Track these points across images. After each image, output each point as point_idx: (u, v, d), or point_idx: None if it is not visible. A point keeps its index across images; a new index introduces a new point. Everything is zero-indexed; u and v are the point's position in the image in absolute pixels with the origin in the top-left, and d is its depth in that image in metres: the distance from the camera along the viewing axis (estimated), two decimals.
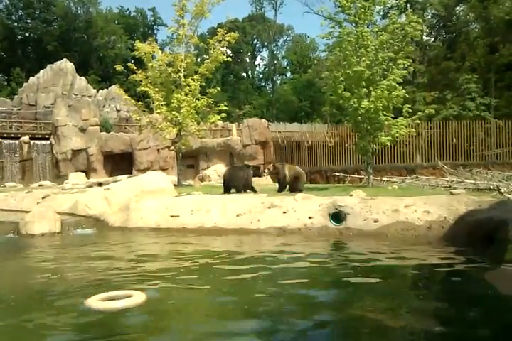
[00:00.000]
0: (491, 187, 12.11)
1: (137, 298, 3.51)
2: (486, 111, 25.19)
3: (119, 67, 16.14)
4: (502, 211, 6.11)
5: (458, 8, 31.96)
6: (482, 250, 5.48)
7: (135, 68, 15.75)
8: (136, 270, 4.81)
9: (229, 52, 45.48)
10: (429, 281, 4.40)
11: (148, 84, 15.41)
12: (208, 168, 22.75)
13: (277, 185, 11.14)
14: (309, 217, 7.25)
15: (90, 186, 14.93)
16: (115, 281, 4.27)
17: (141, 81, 15.52)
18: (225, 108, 15.95)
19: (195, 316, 3.40)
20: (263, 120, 24.86)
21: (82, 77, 34.15)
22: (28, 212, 8.28)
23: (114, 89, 23.84)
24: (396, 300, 3.71)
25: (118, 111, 32.51)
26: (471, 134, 20.16)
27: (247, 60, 59.44)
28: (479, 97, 25.60)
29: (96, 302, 3.45)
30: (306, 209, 7.41)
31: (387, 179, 15.97)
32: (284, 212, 7.47)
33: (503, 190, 11.15)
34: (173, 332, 3.06)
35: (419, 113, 14.01)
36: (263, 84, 60.08)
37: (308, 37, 59.18)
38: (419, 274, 4.70)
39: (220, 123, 24.17)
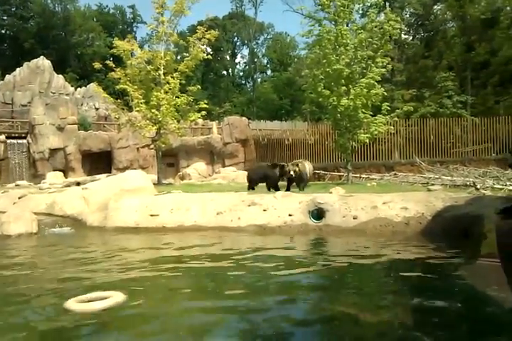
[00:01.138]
0: (468, 183, 12.33)
1: (116, 298, 3.48)
2: (463, 108, 25.60)
3: (97, 65, 15.93)
4: (478, 207, 6.24)
5: (435, 7, 32.36)
6: (459, 245, 5.59)
7: (114, 66, 15.57)
8: (115, 270, 4.77)
9: (209, 50, 45.25)
10: (405, 276, 4.46)
11: (127, 82, 15.26)
12: (188, 166, 22.65)
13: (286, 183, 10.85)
14: (289, 215, 7.29)
15: (68, 185, 14.75)
16: (94, 282, 4.22)
17: (119, 79, 15.36)
18: (205, 106, 15.91)
19: (173, 316, 3.38)
20: (244, 118, 24.84)
21: (60, 75, 33.60)
22: (4, 212, 8.13)
23: (93, 87, 23.51)
24: (372, 295, 3.76)
25: (97, 109, 32.09)
26: (448, 131, 20.48)
27: (228, 57, 59.26)
28: (456, 95, 25.98)
29: (75, 303, 3.41)
30: (286, 206, 7.45)
31: (366, 176, 16.12)
32: (265, 210, 7.49)
33: (478, 186, 11.38)
34: (152, 332, 3.05)
35: (397, 111, 14.20)
36: (243, 82, 60.01)
37: (289, 35, 59.33)
38: (396, 269, 4.77)
39: (200, 121, 24.05)
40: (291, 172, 10.12)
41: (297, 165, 10.54)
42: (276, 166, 10.72)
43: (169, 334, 2.97)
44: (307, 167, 11.03)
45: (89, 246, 6.59)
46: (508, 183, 11.64)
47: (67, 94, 31.86)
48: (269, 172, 10.54)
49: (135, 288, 3.96)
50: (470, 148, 20.07)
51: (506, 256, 4.11)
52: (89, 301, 3.47)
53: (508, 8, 28.14)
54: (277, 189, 10.05)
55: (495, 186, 11.61)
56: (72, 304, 3.40)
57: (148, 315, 3.33)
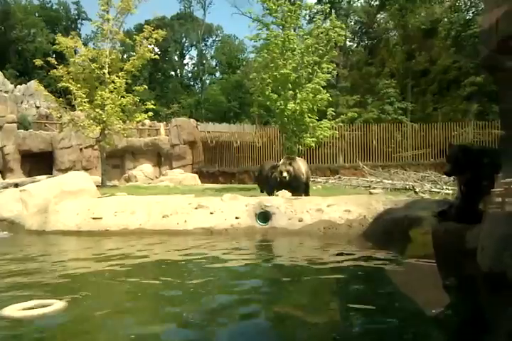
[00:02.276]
0: (407, 186, 12.90)
1: (56, 305, 3.36)
2: (403, 115, 26.72)
3: (38, 62, 15.33)
4: (416, 209, 6.52)
5: (379, 15, 33.63)
6: (397, 246, 5.81)
7: (56, 63, 15.04)
8: (54, 276, 4.59)
9: (157, 49, 44.61)
10: (341, 277, 4.58)
11: (70, 80, 14.80)
12: (134, 168, 22.18)
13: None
14: (236, 217, 7.30)
15: (6, 187, 14.04)
16: (32, 289, 4.05)
17: (62, 76, 14.86)
18: (152, 106, 15.69)
19: (115, 322, 3.31)
20: (192, 120, 24.66)
21: None
22: None
23: (34, 84, 22.51)
24: (312, 297, 3.85)
25: (37, 107, 30.69)
26: (389, 137, 21.28)
27: (176, 58, 58.62)
28: (397, 102, 27.08)
29: (13, 311, 3.26)
30: (233, 209, 7.46)
31: (312, 179, 16.45)
32: (211, 213, 7.46)
33: (417, 190, 11.94)
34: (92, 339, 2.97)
35: (342, 116, 14.62)
36: (192, 83, 59.53)
37: (237, 38, 59.51)
38: (334, 271, 4.89)
39: (147, 122, 23.66)
40: (284, 174, 8.75)
41: (290, 164, 8.96)
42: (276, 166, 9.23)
43: None
44: (302, 166, 9.37)
45: (27, 252, 6.29)
46: (444, 187, 12.28)
47: (6, 92, 30.21)
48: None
49: (76, 295, 3.82)
50: (410, 153, 20.95)
51: (441, 257, 4.33)
52: (28, 308, 3.33)
53: (446, 19, 29.70)
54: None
55: (433, 189, 12.22)
56: (9, 311, 3.25)
57: (88, 322, 3.24)
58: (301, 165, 9.32)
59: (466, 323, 3.16)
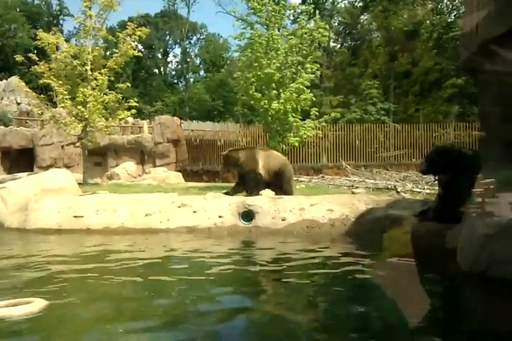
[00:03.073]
0: (389, 186, 13.06)
1: (37, 304, 3.32)
2: (386, 115, 27.00)
3: (19, 58, 15.06)
4: (397, 209, 6.62)
5: (362, 17, 33.92)
6: (378, 245, 5.88)
7: (37, 59, 14.80)
8: (33, 274, 4.54)
9: (140, 47, 44.26)
10: (325, 277, 4.63)
11: (52, 77, 14.56)
12: (117, 165, 21.96)
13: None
14: (219, 216, 7.30)
15: None
16: (12, 288, 4.00)
17: (43, 73, 14.62)
18: (135, 104, 15.54)
19: (94, 321, 3.29)
20: (175, 118, 24.51)
21: None
22: None
23: (14, 80, 22.13)
24: (296, 296, 3.88)
25: (18, 104, 30.16)
26: (372, 137, 21.46)
27: (159, 56, 58.22)
28: (380, 102, 27.36)
29: None
30: (217, 208, 7.46)
31: (296, 178, 16.51)
32: (195, 211, 7.45)
33: (399, 190, 12.08)
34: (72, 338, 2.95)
35: (325, 116, 14.71)
36: (176, 81, 59.20)
37: (221, 36, 59.35)
38: (318, 270, 4.93)
39: (130, 119, 23.45)
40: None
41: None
42: None
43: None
44: (261, 159, 8.61)
45: (6, 250, 6.20)
46: (426, 187, 12.46)
47: None
48: None
49: (56, 293, 3.79)
50: (392, 153, 21.18)
51: (421, 256, 4.41)
52: (6, 306, 3.29)
53: (428, 21, 30.10)
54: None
55: (414, 189, 12.39)
56: None
57: (68, 321, 3.22)
58: (260, 160, 8.69)
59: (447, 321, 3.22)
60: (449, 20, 29.66)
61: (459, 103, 26.46)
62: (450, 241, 4.33)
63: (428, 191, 11.68)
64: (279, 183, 8.64)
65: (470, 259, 3.68)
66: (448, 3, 31.67)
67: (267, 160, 8.59)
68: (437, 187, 5.55)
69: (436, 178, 5.32)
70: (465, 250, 3.86)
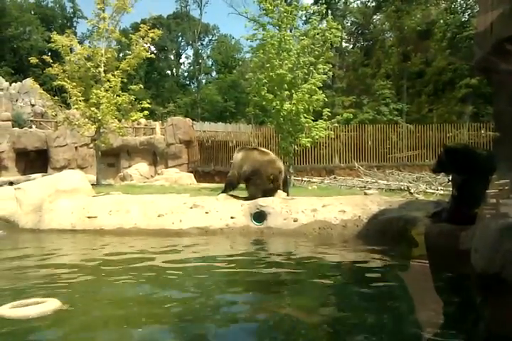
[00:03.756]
0: (402, 187, 12.95)
1: (51, 304, 3.36)
2: (399, 116, 26.81)
3: (34, 60, 15.28)
4: (410, 210, 6.55)
5: (375, 17, 33.75)
6: (392, 247, 5.84)
7: (51, 61, 15.01)
8: (50, 275, 4.58)
9: (153, 48, 44.53)
10: (338, 278, 4.61)
11: (66, 79, 14.75)
12: (129, 166, 22.13)
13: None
14: (231, 217, 7.31)
15: (0, 185, 13.99)
16: (27, 288, 4.04)
17: (57, 75, 14.82)
18: (147, 105, 15.67)
19: (108, 324, 3.31)
20: (187, 119, 24.62)
21: None
22: None
23: (29, 82, 22.38)
24: (310, 297, 3.86)
25: (32, 105, 30.52)
26: (384, 137, 21.31)
27: (172, 57, 58.53)
28: (393, 103, 27.18)
29: (7, 310, 3.25)
30: (229, 209, 7.47)
31: (308, 179, 16.50)
32: (207, 212, 7.46)
33: (412, 191, 11.98)
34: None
35: (337, 116, 14.65)
36: (188, 82, 59.46)
37: (233, 38, 59.51)
38: (331, 271, 4.92)
39: (143, 121, 23.62)
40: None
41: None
42: None
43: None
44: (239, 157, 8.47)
45: (22, 250, 6.28)
46: (439, 188, 12.34)
47: (0, 89, 30.12)
48: None
49: (71, 294, 3.83)
50: (405, 154, 21.01)
51: (434, 257, 4.36)
52: (22, 307, 3.33)
53: (442, 21, 29.82)
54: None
55: (427, 190, 12.28)
56: (5, 310, 3.24)
57: (82, 322, 3.24)
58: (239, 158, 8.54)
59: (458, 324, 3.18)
60: (463, 19, 29.39)
61: (472, 103, 26.16)
62: (464, 242, 4.28)
63: (442, 192, 11.57)
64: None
65: (484, 260, 3.63)
66: (462, 2, 31.38)
67: (242, 161, 8.37)
68: (451, 189, 5.50)
69: (450, 179, 5.27)
70: (479, 251, 3.80)
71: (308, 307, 3.56)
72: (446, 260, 4.50)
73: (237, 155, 8.49)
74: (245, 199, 7.90)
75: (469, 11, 30.12)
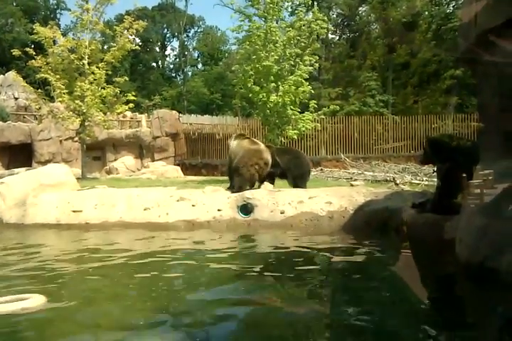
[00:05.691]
0: (388, 178, 13.06)
1: (36, 300, 3.33)
2: (384, 107, 26.93)
3: (16, 52, 15.04)
4: (396, 201, 6.61)
5: (361, 8, 33.67)
6: (378, 237, 5.90)
7: (34, 53, 14.73)
8: (34, 270, 4.53)
9: (138, 40, 44.02)
10: (324, 269, 4.64)
11: (49, 71, 14.52)
12: (115, 160, 21.94)
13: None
14: (218, 210, 7.30)
15: None
16: (11, 284, 4.00)
17: (40, 67, 14.57)
18: (133, 98, 15.50)
19: (94, 315, 3.29)
20: (174, 111, 24.42)
21: None
22: None
23: (12, 75, 21.97)
24: (296, 288, 3.88)
25: (16, 98, 30.00)
26: (370, 129, 21.38)
27: (157, 49, 57.91)
28: (378, 94, 27.28)
29: None
30: (215, 201, 7.46)
31: None
32: (193, 205, 7.44)
33: (398, 182, 12.08)
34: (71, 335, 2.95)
35: (324, 108, 14.67)
36: (174, 75, 58.91)
37: (219, 29, 59.00)
38: (317, 262, 4.95)
39: (128, 114, 23.37)
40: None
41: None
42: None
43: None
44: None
45: (5, 245, 6.20)
46: (424, 179, 12.46)
47: None
48: None
49: (56, 290, 3.79)
50: (391, 145, 21.13)
51: (418, 247, 4.41)
52: (5, 303, 3.29)
53: (426, 12, 29.91)
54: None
55: (413, 181, 12.40)
56: None
57: (68, 318, 3.22)
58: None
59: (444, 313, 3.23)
60: (448, 11, 29.45)
61: (457, 94, 26.37)
62: (448, 232, 4.33)
63: (427, 183, 11.68)
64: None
65: (468, 250, 3.68)
66: None
67: (236, 149, 8.58)
68: (436, 179, 5.55)
69: (435, 170, 5.32)
70: (464, 241, 3.86)
71: (297, 299, 3.58)
72: (431, 250, 4.55)
73: (232, 143, 8.69)
74: (231, 191, 7.90)
75: (454, 3, 30.20)
